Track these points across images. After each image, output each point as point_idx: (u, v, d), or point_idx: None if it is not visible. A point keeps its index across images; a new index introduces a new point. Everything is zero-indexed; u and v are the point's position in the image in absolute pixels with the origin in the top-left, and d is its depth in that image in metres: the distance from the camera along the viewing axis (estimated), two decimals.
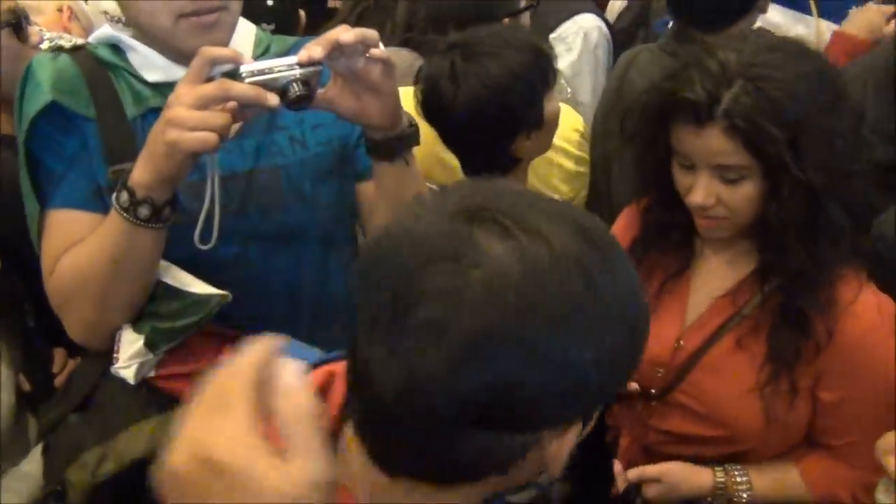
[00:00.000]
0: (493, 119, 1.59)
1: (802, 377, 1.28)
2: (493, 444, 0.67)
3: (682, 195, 1.30)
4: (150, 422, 1.19)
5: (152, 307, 1.24)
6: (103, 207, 1.23)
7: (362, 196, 1.42)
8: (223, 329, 1.27)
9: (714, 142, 1.19)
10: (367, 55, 1.15)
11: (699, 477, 1.38)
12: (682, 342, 1.39)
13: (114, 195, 1.16)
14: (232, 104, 1.09)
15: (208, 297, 1.22)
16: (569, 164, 2.01)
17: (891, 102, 1.72)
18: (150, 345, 1.22)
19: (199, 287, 1.23)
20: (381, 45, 1.17)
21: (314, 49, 1.10)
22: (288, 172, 1.33)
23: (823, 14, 2.49)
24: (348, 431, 0.77)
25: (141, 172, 1.13)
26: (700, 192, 1.24)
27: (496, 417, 0.66)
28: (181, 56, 1.26)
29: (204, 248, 1.22)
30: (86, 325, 1.25)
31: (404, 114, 1.26)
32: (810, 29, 2.53)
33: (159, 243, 1.20)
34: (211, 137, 1.07)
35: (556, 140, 1.80)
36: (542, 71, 1.64)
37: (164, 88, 1.26)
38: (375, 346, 0.66)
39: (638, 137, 1.34)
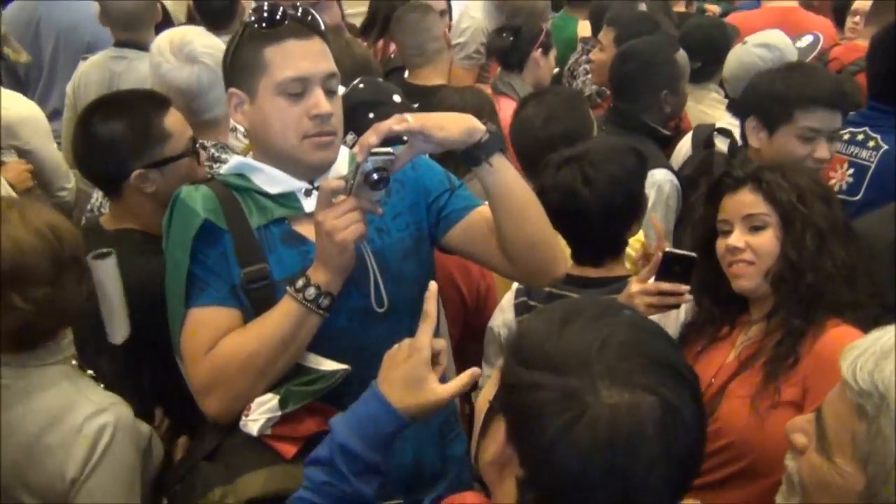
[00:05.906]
0: (620, 209, 2.01)
1: (787, 388, 1.59)
2: None
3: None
4: (264, 471, 1.50)
5: (288, 379, 1.55)
6: (238, 303, 1.59)
7: (471, 228, 1.70)
8: (323, 406, 1.57)
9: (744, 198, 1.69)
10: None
11: None
12: (713, 380, 1.70)
13: (293, 290, 1.51)
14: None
15: (335, 371, 1.55)
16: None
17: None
18: (283, 402, 1.51)
19: (327, 365, 1.56)
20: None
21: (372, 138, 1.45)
22: (378, 256, 1.64)
23: None
24: None
25: (321, 274, 1.51)
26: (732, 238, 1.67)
27: None
28: (298, 170, 1.62)
29: (380, 310, 1.61)
30: (235, 398, 1.54)
31: (479, 127, 1.54)
32: None
33: (317, 328, 1.55)
34: (362, 227, 1.49)
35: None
36: (643, 168, 2.10)
37: (283, 199, 1.63)
38: None
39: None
